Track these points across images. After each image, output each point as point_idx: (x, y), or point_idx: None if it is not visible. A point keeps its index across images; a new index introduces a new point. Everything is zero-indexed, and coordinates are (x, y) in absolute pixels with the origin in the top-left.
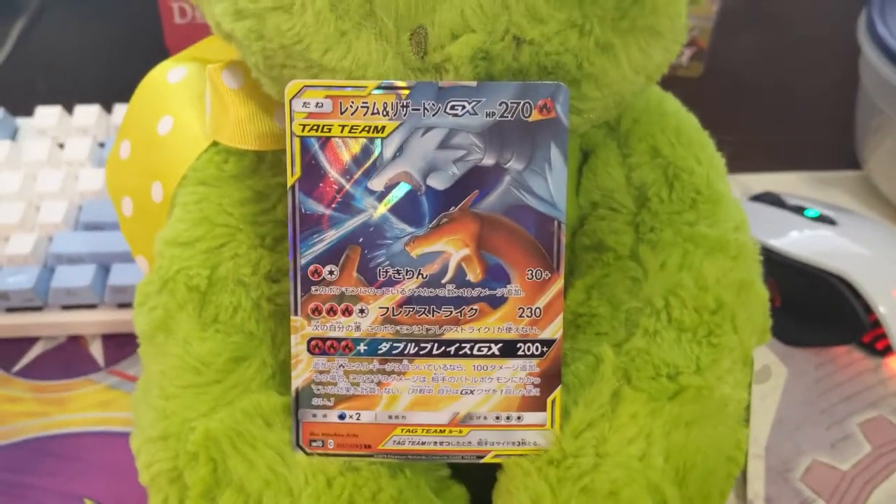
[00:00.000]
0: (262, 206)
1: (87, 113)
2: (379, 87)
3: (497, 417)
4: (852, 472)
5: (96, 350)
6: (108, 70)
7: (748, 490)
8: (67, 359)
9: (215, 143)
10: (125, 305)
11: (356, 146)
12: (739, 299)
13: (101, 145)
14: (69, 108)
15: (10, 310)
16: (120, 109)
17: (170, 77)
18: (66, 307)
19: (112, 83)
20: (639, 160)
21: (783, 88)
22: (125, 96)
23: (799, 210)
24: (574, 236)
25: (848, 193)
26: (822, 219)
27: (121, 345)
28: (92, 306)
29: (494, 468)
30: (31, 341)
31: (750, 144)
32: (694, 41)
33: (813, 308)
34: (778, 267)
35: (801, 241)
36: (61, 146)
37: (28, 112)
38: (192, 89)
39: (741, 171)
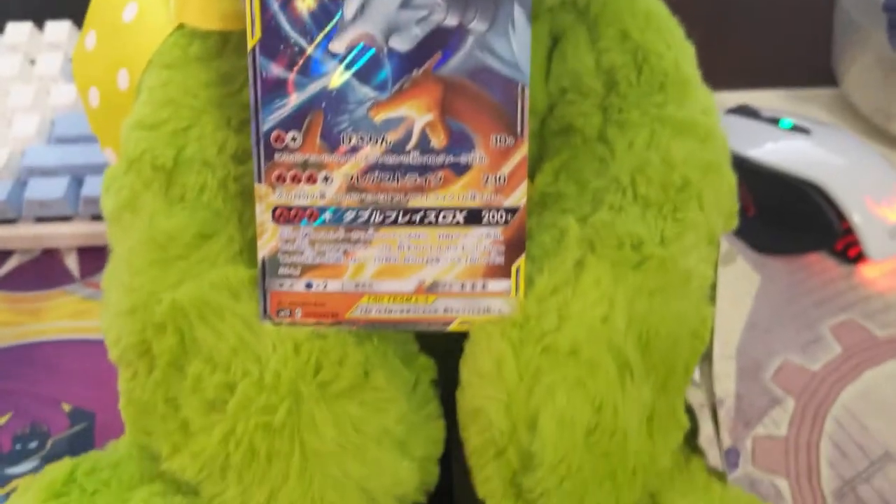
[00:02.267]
0: (227, 88)
1: (58, 28)
2: None
3: (462, 285)
4: (822, 372)
5: (72, 262)
6: None
7: (717, 388)
8: (43, 271)
9: (180, 27)
10: (99, 217)
11: (316, 6)
12: (706, 179)
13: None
14: (40, 24)
15: None
16: None
17: None
18: (41, 219)
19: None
20: (608, 44)
21: (763, 5)
22: None
23: (774, 121)
24: (543, 122)
25: (824, 109)
26: (796, 129)
27: (96, 257)
28: (66, 219)
29: (461, 339)
30: (6, 254)
31: (727, 61)
32: None
33: (786, 216)
34: (752, 176)
35: (775, 151)
36: (32, 62)
37: None
38: None
39: (719, 88)
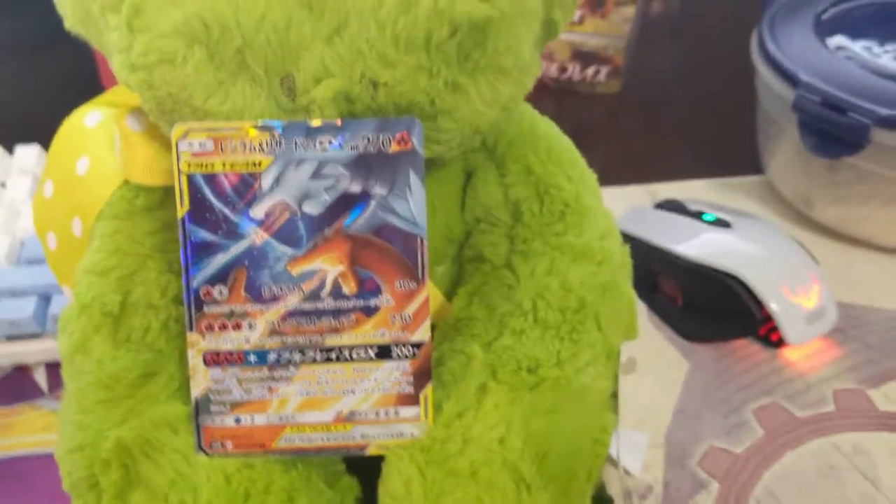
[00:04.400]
0: (170, 234)
1: (28, 153)
2: (255, 127)
3: (377, 413)
4: (745, 455)
5: (40, 377)
6: (47, 111)
7: (648, 476)
8: (13, 387)
9: (126, 181)
10: None
11: (237, 180)
12: (603, 300)
13: None
14: (9, 149)
15: None
16: None
17: (87, 121)
18: (11, 337)
19: (51, 124)
20: (514, 179)
21: (694, 102)
22: None
23: (698, 215)
24: (461, 249)
25: (753, 197)
26: (718, 222)
27: None
28: (35, 336)
29: (382, 462)
30: None
31: (664, 155)
32: (610, 59)
33: (711, 306)
34: (679, 270)
35: (699, 245)
36: (3, 185)
37: None
38: (107, 132)
39: (655, 179)
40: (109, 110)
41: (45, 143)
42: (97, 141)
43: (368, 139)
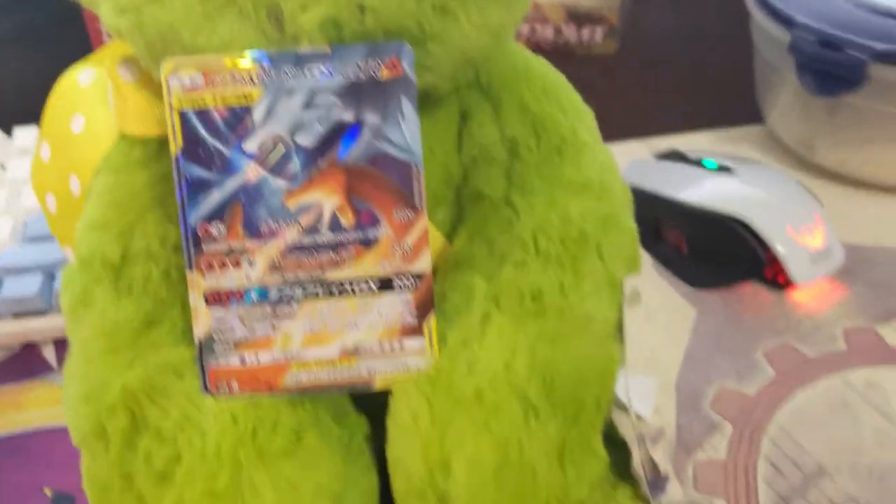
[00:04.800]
0: (167, 186)
1: (27, 134)
2: (244, 59)
3: (382, 346)
4: (757, 396)
5: (49, 353)
6: (44, 93)
7: (660, 420)
8: (23, 364)
9: (122, 135)
10: None
11: (229, 113)
12: (604, 230)
13: None
14: (8, 131)
15: None
16: None
17: (80, 79)
18: (18, 315)
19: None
20: (509, 116)
21: (692, 57)
22: None
23: (699, 163)
24: (458, 190)
25: (754, 146)
26: (720, 168)
27: None
28: (42, 313)
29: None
30: None
31: (663, 109)
32: (604, 18)
33: (716, 251)
34: (682, 217)
35: (701, 191)
36: (2, 167)
37: None
38: (100, 89)
39: (654, 134)
40: (102, 67)
41: None
42: (91, 98)
43: (359, 65)
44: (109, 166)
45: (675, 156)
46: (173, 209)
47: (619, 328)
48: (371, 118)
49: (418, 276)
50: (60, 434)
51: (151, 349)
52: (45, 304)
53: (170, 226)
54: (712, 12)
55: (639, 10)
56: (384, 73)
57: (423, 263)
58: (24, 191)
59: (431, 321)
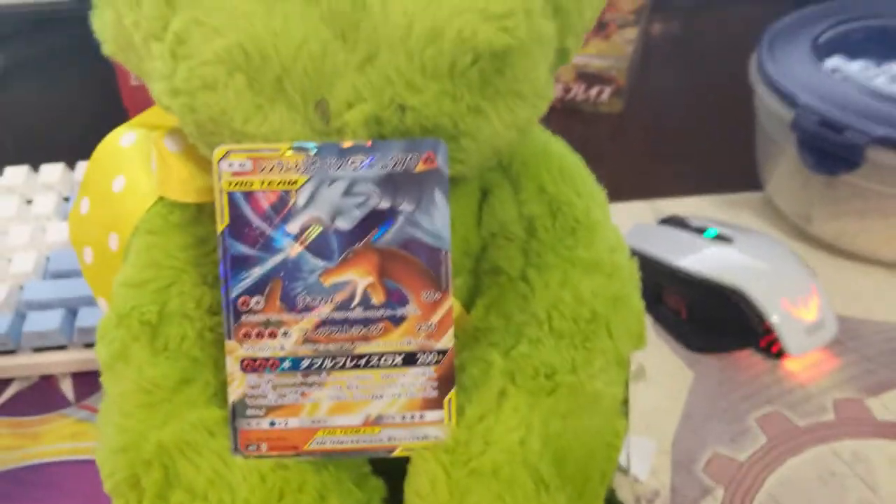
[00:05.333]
0: (203, 249)
1: (52, 171)
2: (291, 149)
3: (403, 417)
4: (749, 462)
5: (67, 387)
6: (70, 130)
7: (655, 481)
8: (41, 396)
9: (162, 198)
10: (92, 345)
11: (274, 197)
12: (614, 310)
13: (66, 199)
14: (35, 167)
15: None
16: (82, 166)
17: (122, 141)
18: (38, 349)
19: (75, 142)
20: (528, 196)
21: (695, 121)
22: (87, 154)
23: (700, 231)
24: (477, 262)
25: (753, 213)
26: (719, 238)
27: (89, 381)
28: (62, 347)
29: (407, 463)
30: (6, 382)
31: (665, 172)
32: (613, 79)
33: (714, 318)
34: (683, 283)
35: (701, 260)
36: (29, 202)
37: None
38: (141, 152)
39: (658, 196)
40: (143, 131)
41: (70, 162)
42: (133, 160)
43: (397, 159)
44: (148, 227)
45: (677, 221)
46: (208, 271)
47: (625, 403)
48: (405, 206)
49: (441, 353)
50: (76, 467)
51: (186, 407)
52: (65, 339)
53: (205, 288)
54: (718, 78)
55: (647, 72)
56: (420, 166)
57: (447, 341)
58: (49, 226)
59: (452, 395)
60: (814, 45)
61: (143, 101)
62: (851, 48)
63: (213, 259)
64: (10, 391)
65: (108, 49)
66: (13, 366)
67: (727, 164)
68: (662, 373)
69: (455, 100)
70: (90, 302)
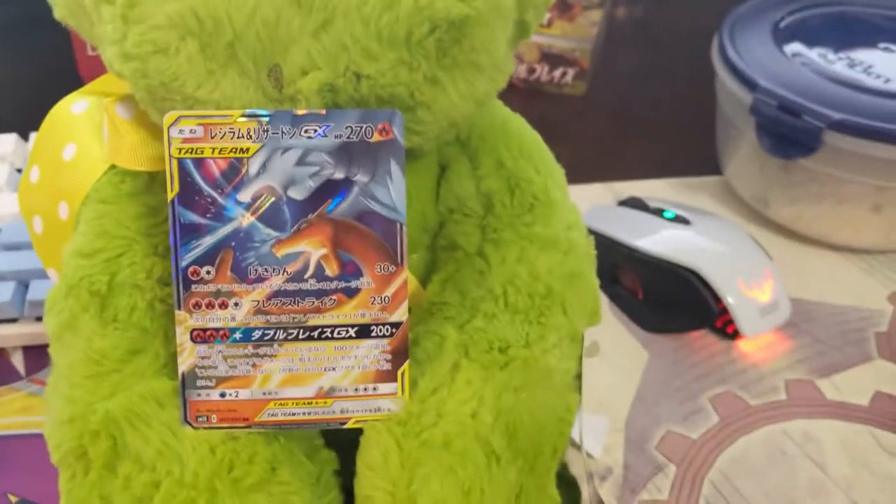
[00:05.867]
0: (155, 219)
1: (5, 141)
2: (243, 116)
3: (356, 389)
4: (701, 440)
5: (17, 360)
6: (25, 100)
7: (609, 459)
8: None
9: (113, 166)
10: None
11: (225, 165)
12: (570, 286)
13: (19, 171)
14: None
15: None
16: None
17: (73, 109)
18: None
19: (29, 113)
20: (486, 172)
21: (656, 104)
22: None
23: (658, 212)
24: (434, 238)
25: (711, 196)
26: (677, 219)
27: (40, 355)
28: (13, 320)
29: (358, 435)
30: None
31: (627, 157)
32: (576, 61)
33: (671, 299)
34: (640, 263)
35: (659, 240)
36: None
37: None
38: (93, 119)
39: (618, 179)
40: (96, 98)
41: (23, 133)
42: (84, 128)
43: (352, 129)
44: (99, 196)
45: (635, 203)
46: (159, 241)
47: (578, 378)
48: (360, 177)
49: (395, 326)
50: (26, 441)
51: (134, 378)
52: (16, 312)
53: (155, 258)
54: (681, 62)
55: (610, 55)
56: (375, 137)
57: (401, 314)
58: (0, 198)
59: (405, 368)
60: (774, 30)
61: (100, 70)
62: (811, 35)
63: (164, 229)
64: None
65: (58, 13)
66: None
67: (688, 148)
68: (617, 352)
69: (412, 69)
70: (42, 275)
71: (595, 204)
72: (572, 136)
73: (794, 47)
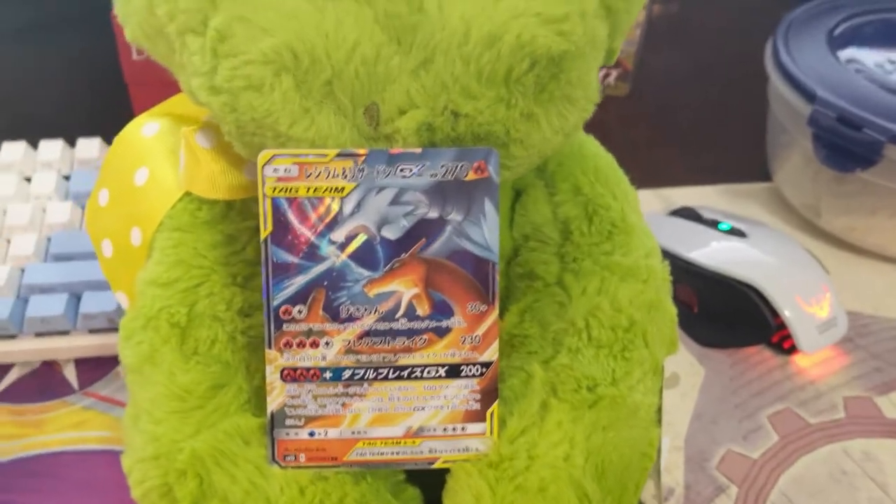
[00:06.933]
0: (232, 248)
1: (52, 147)
2: (338, 155)
3: (445, 429)
4: (762, 460)
5: (70, 374)
6: (67, 103)
7: (669, 479)
8: (43, 383)
9: (189, 193)
10: (96, 331)
11: (320, 204)
12: (650, 317)
13: (66, 178)
14: (31, 142)
15: None
16: (83, 144)
17: (144, 131)
18: (40, 334)
19: (74, 117)
20: (563, 198)
21: (704, 106)
22: (85, 130)
23: (713, 224)
24: (509, 265)
25: (759, 203)
26: (733, 231)
27: (93, 368)
28: (65, 333)
29: (443, 473)
30: (6, 368)
31: (673, 160)
32: (620, 63)
33: (726, 313)
34: (695, 277)
35: (714, 253)
36: (27, 180)
37: None
38: (165, 143)
39: (664, 185)
40: (168, 122)
41: (69, 139)
42: (156, 152)
43: (447, 167)
44: (174, 224)
45: (689, 213)
46: (237, 271)
47: (659, 411)
48: (454, 216)
49: (486, 365)
50: (80, 457)
51: (218, 414)
52: (69, 324)
53: (234, 288)
54: (720, 62)
55: (648, 53)
56: (470, 175)
57: (491, 353)
58: (49, 206)
59: (494, 408)
60: (829, 36)
61: (145, 76)
62: (866, 41)
63: (242, 258)
64: (11, 377)
65: (131, 34)
66: (15, 351)
67: (735, 151)
68: (671, 368)
69: (509, 106)
70: (94, 287)
71: (645, 213)
72: (616, 139)
73: (849, 53)
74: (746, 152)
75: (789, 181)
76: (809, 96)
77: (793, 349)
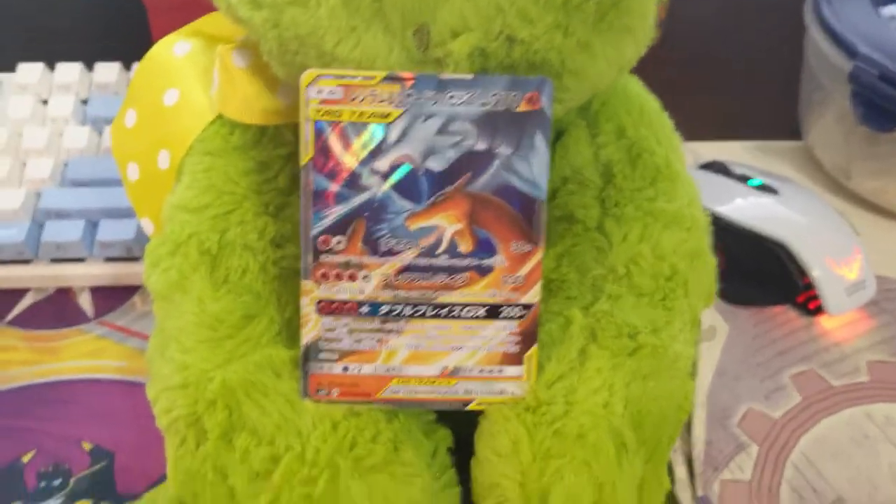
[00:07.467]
0: (265, 175)
1: (69, 70)
2: (386, 78)
3: (481, 370)
4: (783, 420)
5: (85, 302)
6: (85, 28)
7: (692, 434)
8: (57, 310)
9: (221, 116)
10: (112, 259)
11: (364, 130)
12: (691, 267)
13: (84, 102)
14: (49, 65)
15: (1, 262)
16: (102, 68)
17: (176, 50)
18: (55, 260)
19: (91, 42)
20: (606, 139)
21: (735, 57)
22: (102, 54)
23: (743, 179)
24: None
25: (789, 162)
26: (764, 188)
27: (108, 297)
28: (80, 260)
29: (475, 415)
30: (21, 292)
31: (701, 111)
32: None
33: (753, 270)
34: (723, 232)
35: (744, 209)
36: (44, 102)
37: (9, 68)
38: (197, 63)
39: (692, 138)
40: (201, 41)
41: (87, 61)
42: (187, 72)
43: (498, 96)
44: (205, 147)
45: (719, 167)
46: (270, 199)
47: (694, 364)
48: (503, 149)
49: (527, 307)
50: (96, 386)
51: (249, 345)
52: (85, 251)
53: (267, 218)
54: (756, 7)
55: (684, 5)
56: (522, 106)
57: (533, 295)
58: (66, 130)
59: (533, 351)
60: None
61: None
62: None
63: (275, 186)
64: (26, 302)
65: None
66: (29, 276)
67: (764, 104)
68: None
69: (567, 34)
70: (112, 214)
71: None
72: (646, 85)
73: (892, 10)
74: (774, 104)
75: (820, 140)
76: (851, 52)
77: (818, 310)
